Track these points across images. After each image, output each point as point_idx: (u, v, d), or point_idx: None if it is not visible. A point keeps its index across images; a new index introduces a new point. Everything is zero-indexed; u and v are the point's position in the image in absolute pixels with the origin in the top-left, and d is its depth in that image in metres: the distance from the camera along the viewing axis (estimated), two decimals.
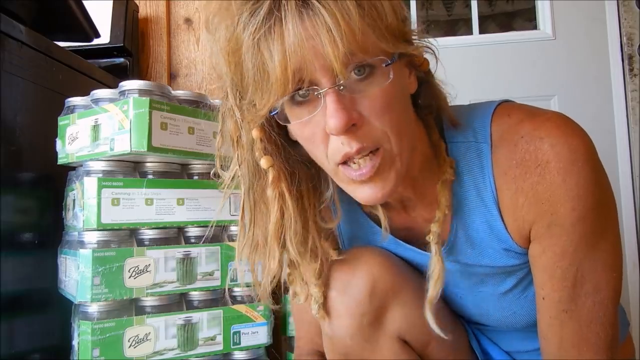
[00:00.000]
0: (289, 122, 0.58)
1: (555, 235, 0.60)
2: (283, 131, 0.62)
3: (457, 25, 2.09)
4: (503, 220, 0.64)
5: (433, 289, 0.64)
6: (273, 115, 0.57)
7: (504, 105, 0.66)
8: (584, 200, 0.58)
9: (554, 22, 1.76)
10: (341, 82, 0.52)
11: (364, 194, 0.58)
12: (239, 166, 0.63)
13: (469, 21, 1.85)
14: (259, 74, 0.53)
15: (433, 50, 0.63)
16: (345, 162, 0.56)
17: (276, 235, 0.62)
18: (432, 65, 0.64)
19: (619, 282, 0.62)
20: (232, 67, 0.56)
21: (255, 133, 0.60)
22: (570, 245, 0.60)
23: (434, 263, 0.64)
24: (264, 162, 0.61)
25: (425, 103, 0.66)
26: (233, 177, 0.64)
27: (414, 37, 0.59)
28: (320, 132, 0.55)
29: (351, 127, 0.52)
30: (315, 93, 0.53)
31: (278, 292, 0.70)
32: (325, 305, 0.70)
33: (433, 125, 0.67)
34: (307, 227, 0.65)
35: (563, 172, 0.58)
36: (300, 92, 0.54)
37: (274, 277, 0.65)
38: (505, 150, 0.62)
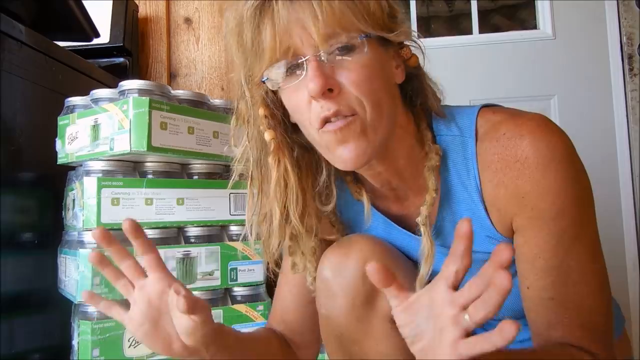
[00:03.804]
0: (278, 86, 0.64)
1: (536, 228, 0.63)
2: (285, 112, 0.69)
3: (458, 20, 2.07)
4: (487, 211, 0.67)
5: (424, 268, 0.68)
6: (264, 81, 0.64)
7: (490, 107, 0.71)
8: (563, 195, 0.61)
9: (554, 22, 1.76)
10: (322, 52, 0.59)
11: (340, 156, 0.62)
12: (249, 142, 0.71)
13: (470, 15, 1.84)
14: (255, 46, 0.61)
15: (420, 47, 0.69)
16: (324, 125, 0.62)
17: (275, 197, 0.68)
18: (421, 62, 0.71)
19: (602, 273, 0.64)
20: (238, 46, 0.64)
21: (261, 110, 0.68)
22: (552, 237, 0.62)
23: (424, 243, 0.68)
24: (267, 135, 0.68)
25: (414, 96, 0.71)
26: (243, 154, 0.71)
27: (400, 33, 0.64)
28: (305, 99, 0.61)
29: (329, 93, 0.59)
30: (299, 61, 0.60)
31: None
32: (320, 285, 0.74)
33: (422, 116, 0.72)
34: (306, 204, 0.71)
35: (542, 168, 0.61)
36: (289, 62, 0.61)
37: (279, 243, 0.71)
38: (488, 144, 0.66)
